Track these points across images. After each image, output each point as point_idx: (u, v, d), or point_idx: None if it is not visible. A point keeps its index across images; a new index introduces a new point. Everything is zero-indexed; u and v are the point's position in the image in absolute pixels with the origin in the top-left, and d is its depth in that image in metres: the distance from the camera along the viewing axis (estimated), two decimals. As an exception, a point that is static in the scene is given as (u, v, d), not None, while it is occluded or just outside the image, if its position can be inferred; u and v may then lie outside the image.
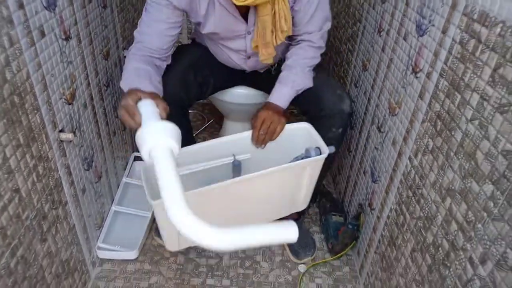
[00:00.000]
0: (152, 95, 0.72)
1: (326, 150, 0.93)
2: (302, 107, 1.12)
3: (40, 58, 0.74)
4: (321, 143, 0.95)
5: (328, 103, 1.02)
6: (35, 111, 0.73)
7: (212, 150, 0.95)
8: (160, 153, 0.56)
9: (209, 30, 0.98)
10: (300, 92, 1.03)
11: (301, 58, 1.04)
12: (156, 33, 0.91)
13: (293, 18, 0.99)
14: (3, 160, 0.64)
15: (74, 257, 0.96)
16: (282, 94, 1.01)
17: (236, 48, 1.06)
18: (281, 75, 1.04)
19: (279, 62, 1.18)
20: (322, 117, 1.03)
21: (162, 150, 0.57)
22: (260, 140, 0.96)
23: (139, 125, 0.65)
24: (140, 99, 0.70)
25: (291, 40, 1.06)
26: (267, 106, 0.99)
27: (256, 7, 0.90)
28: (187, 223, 0.47)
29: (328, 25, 1.04)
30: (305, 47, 1.04)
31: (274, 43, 0.97)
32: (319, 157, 0.92)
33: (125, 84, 0.81)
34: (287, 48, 1.14)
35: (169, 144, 0.58)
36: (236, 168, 0.97)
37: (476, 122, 0.62)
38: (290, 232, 0.58)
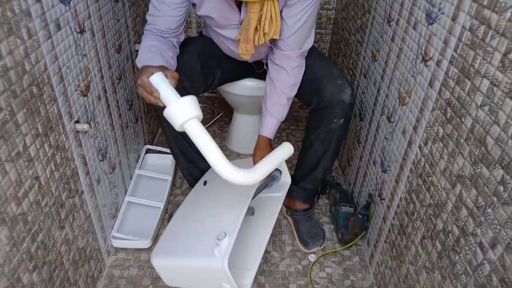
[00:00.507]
0: (161, 68, 0.78)
1: (288, 179, 1.16)
2: (305, 99, 1.13)
3: (56, 50, 0.76)
4: (284, 169, 1.16)
5: (327, 94, 1.02)
6: (53, 102, 0.75)
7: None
8: (193, 126, 0.73)
9: (204, 12, 0.99)
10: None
11: (286, 86, 1.06)
12: (163, 15, 0.93)
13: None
14: (23, 148, 0.66)
15: (90, 245, 0.98)
16: (272, 127, 1.09)
17: (231, 37, 1.07)
18: (270, 104, 1.08)
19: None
20: (323, 108, 1.04)
21: (193, 123, 0.73)
22: None
23: (158, 99, 0.75)
24: (152, 73, 0.76)
25: (274, 46, 1.05)
26: (265, 144, 1.09)
27: (246, 2, 0.90)
28: (230, 173, 0.77)
29: (309, 44, 1.03)
30: (289, 70, 1.04)
31: (256, 42, 0.97)
32: (286, 189, 1.15)
33: (139, 61, 0.88)
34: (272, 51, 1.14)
35: (196, 116, 0.74)
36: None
37: (486, 108, 0.62)
38: (288, 148, 0.96)
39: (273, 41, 1.04)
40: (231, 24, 1.02)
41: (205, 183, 1.18)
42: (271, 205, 1.17)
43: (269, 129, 1.09)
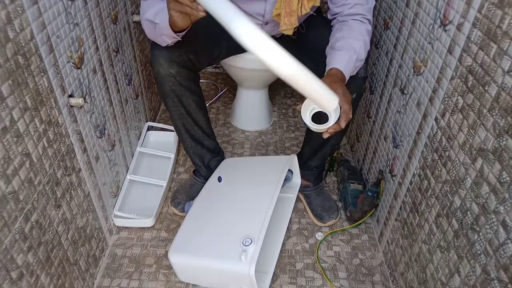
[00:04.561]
0: None
1: (298, 179, 1.22)
2: (315, 73, 1.06)
3: (44, 17, 0.70)
4: (296, 170, 1.21)
5: None
6: (42, 74, 0.70)
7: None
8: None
9: None
10: (353, 72, 0.90)
11: (362, 31, 0.90)
12: None
13: None
14: (10, 123, 0.61)
15: (90, 224, 0.95)
16: (344, 60, 0.86)
17: (253, 12, 0.99)
18: (338, 44, 0.89)
19: (296, 30, 1.11)
20: None
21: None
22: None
23: None
24: None
25: (336, 15, 0.96)
26: (335, 74, 0.84)
27: None
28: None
29: (373, 0, 0.94)
30: (360, 21, 0.92)
31: (299, 12, 0.91)
32: (297, 190, 1.22)
33: (161, 21, 0.81)
34: (307, 17, 1.07)
35: None
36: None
37: (515, 73, 0.56)
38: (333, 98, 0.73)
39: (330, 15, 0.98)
40: None
41: (219, 179, 1.14)
42: (283, 206, 1.16)
43: (340, 62, 0.85)
